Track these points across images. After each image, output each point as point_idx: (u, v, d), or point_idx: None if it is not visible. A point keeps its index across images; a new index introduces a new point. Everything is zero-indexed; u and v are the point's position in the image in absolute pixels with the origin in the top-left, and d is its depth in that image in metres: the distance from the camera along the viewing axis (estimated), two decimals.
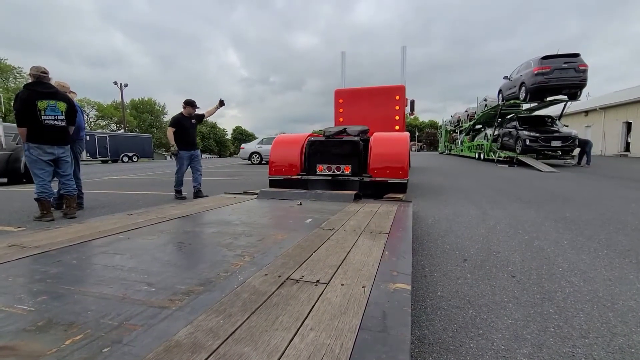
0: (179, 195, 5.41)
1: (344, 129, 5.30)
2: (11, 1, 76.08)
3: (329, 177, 4.77)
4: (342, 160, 4.82)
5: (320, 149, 4.99)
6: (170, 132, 5.19)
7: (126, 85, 32.15)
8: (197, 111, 5.47)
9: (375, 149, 4.67)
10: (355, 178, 4.63)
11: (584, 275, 2.13)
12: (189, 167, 5.46)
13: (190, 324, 0.97)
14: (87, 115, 48.22)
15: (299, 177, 4.88)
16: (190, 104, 5.32)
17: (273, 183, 5.04)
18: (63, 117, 3.88)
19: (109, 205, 4.97)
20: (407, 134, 5.16)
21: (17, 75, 35.59)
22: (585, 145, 11.84)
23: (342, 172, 4.80)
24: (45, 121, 3.73)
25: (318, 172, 4.92)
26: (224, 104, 5.56)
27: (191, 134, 5.40)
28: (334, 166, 4.86)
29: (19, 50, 70.80)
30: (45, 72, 3.80)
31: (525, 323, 1.56)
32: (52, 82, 3.96)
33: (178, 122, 5.22)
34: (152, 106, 53.87)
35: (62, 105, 3.88)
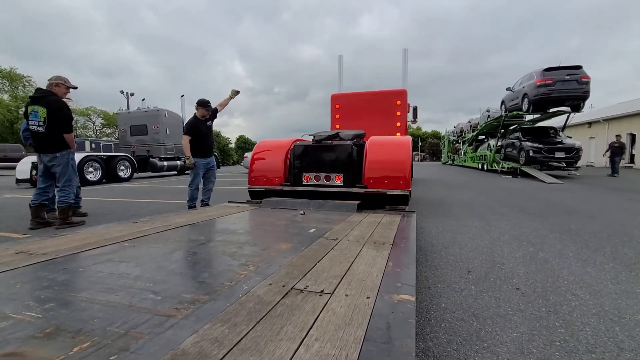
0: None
1: (337, 133, 4.70)
2: (24, 14, 78.33)
3: (317, 189, 4.17)
4: (333, 169, 4.19)
5: (307, 156, 4.32)
6: (186, 140, 4.56)
7: (132, 94, 32.54)
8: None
9: (371, 155, 4.04)
10: (347, 189, 4.03)
11: (590, 289, 2.11)
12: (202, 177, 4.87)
13: (196, 333, 0.98)
14: (94, 124, 48.94)
15: (282, 187, 4.30)
16: (203, 104, 4.67)
17: (253, 194, 4.40)
18: (40, 123, 3.72)
19: (114, 212, 5.01)
20: (409, 137, 4.47)
21: (26, 84, 36.39)
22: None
23: (333, 182, 4.16)
24: (30, 127, 3.76)
25: (304, 182, 4.25)
26: (238, 93, 5.07)
27: (208, 140, 4.81)
28: (322, 175, 4.21)
29: (30, 61, 72.50)
30: (50, 79, 3.86)
31: (531, 336, 1.54)
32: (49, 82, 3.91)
33: (194, 128, 4.62)
34: None
35: (42, 111, 3.71)
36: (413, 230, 2.59)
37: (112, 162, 11.26)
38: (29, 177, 9.72)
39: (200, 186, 4.86)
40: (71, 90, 4.02)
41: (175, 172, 15.50)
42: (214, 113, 4.88)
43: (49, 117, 3.71)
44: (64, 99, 3.92)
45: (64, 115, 3.81)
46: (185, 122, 4.73)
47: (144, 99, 15.44)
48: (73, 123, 3.76)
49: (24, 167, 9.84)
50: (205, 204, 4.85)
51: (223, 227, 2.79)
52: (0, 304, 1.20)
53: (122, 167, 11.83)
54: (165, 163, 14.02)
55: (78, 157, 9.98)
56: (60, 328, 1.02)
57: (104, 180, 10.93)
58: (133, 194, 7.61)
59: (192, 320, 1.07)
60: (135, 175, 12.88)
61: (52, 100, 3.77)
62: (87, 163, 10.36)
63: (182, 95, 14.95)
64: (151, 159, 13.42)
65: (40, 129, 3.73)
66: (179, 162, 14.90)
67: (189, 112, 14.93)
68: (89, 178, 10.31)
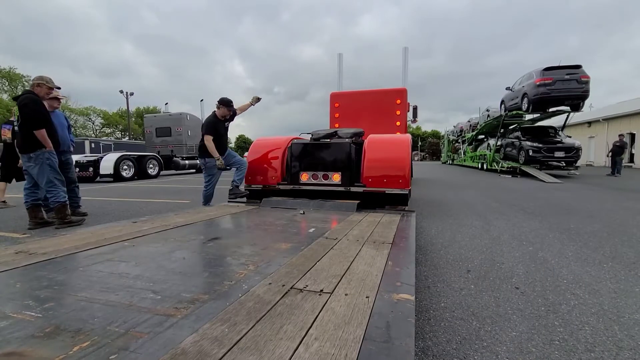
0: (238, 192, 4.46)
1: (335, 131, 4.60)
2: (24, 14, 78.33)
3: (315, 187, 4.10)
4: (330, 167, 4.12)
5: (304, 154, 4.25)
6: (209, 140, 4.26)
7: (132, 93, 32.56)
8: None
9: (369, 153, 3.96)
10: (345, 189, 3.97)
11: (589, 288, 2.11)
12: (230, 166, 4.56)
13: (195, 332, 0.98)
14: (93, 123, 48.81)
15: (279, 186, 4.24)
16: (226, 104, 4.40)
17: (250, 194, 4.37)
18: (15, 122, 3.74)
19: (113, 212, 5.01)
20: (408, 135, 4.39)
21: (26, 83, 36.42)
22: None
23: (331, 181, 4.09)
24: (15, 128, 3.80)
25: (302, 180, 4.19)
26: (259, 100, 4.89)
27: (225, 141, 4.57)
28: (320, 174, 4.14)
29: (30, 61, 72.49)
30: (33, 80, 3.83)
31: (530, 335, 1.55)
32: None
33: (214, 128, 4.35)
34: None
35: (16, 110, 3.71)
36: (412, 229, 2.59)
37: (143, 161, 12.75)
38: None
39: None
40: (55, 90, 3.99)
41: (194, 170, 17.00)
42: (232, 115, 4.68)
43: (21, 115, 3.66)
44: (50, 97, 3.91)
45: (29, 109, 3.63)
46: (203, 121, 4.48)
47: (167, 103, 16.88)
48: (72, 123, 3.75)
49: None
50: (236, 185, 4.47)
51: (222, 226, 2.79)
52: (0, 304, 1.20)
53: (151, 166, 13.21)
54: (187, 162, 15.77)
55: (114, 156, 11.62)
56: (60, 327, 1.02)
57: (135, 177, 12.23)
58: (132, 194, 7.61)
59: (191, 319, 1.08)
60: (161, 172, 14.21)
61: (22, 97, 3.69)
62: (122, 162, 11.71)
63: (202, 100, 16.48)
64: (174, 158, 15.11)
65: (17, 128, 3.72)
66: (198, 161, 15.60)
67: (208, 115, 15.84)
68: (123, 175, 11.66)
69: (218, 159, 4.28)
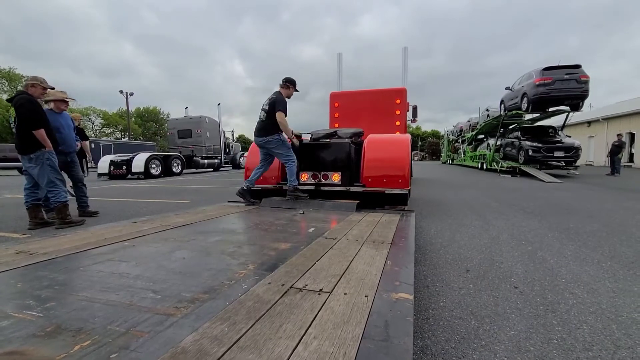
0: (300, 194, 4.00)
1: (335, 131, 4.62)
2: (24, 14, 78.40)
3: (314, 187, 4.10)
4: (330, 167, 4.14)
5: (303, 154, 4.26)
6: (284, 119, 3.94)
7: (132, 93, 32.55)
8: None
9: (369, 153, 3.98)
10: (345, 189, 3.97)
11: (588, 287, 2.12)
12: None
13: (195, 332, 0.99)
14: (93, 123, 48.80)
15: (279, 186, 4.22)
16: (295, 84, 4.15)
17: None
18: (12, 124, 3.72)
19: (113, 213, 5.01)
20: (408, 135, 4.40)
21: None
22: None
23: (330, 181, 4.10)
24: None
25: (301, 180, 4.20)
26: (297, 136, 4.51)
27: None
28: (320, 174, 4.17)
29: (30, 61, 72.54)
30: (26, 80, 3.81)
31: (528, 335, 1.55)
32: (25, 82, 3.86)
33: (286, 107, 4.02)
34: (156, 115, 54.63)
35: (12, 111, 3.68)
36: (412, 229, 2.60)
37: (168, 160, 14.09)
38: (107, 171, 12.38)
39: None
40: (49, 90, 3.97)
41: (211, 169, 18.23)
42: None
43: (17, 116, 3.63)
44: (58, 100, 3.94)
45: (25, 110, 3.58)
46: (277, 99, 3.98)
47: (187, 107, 18.12)
48: (75, 122, 3.71)
49: (103, 164, 12.66)
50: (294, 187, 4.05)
51: (222, 226, 2.80)
52: (2, 303, 1.21)
53: (175, 164, 14.52)
54: (205, 161, 17.10)
55: (145, 156, 12.81)
56: (61, 327, 1.03)
57: (162, 175, 13.56)
58: (133, 194, 7.62)
59: (191, 318, 1.08)
60: (183, 171, 15.63)
61: (18, 98, 3.65)
62: (151, 161, 13.02)
63: (219, 104, 17.65)
64: (195, 158, 16.44)
65: (14, 129, 3.69)
66: (216, 160, 17.93)
67: (225, 118, 16.64)
68: (152, 172, 12.95)
69: (293, 134, 4.07)
